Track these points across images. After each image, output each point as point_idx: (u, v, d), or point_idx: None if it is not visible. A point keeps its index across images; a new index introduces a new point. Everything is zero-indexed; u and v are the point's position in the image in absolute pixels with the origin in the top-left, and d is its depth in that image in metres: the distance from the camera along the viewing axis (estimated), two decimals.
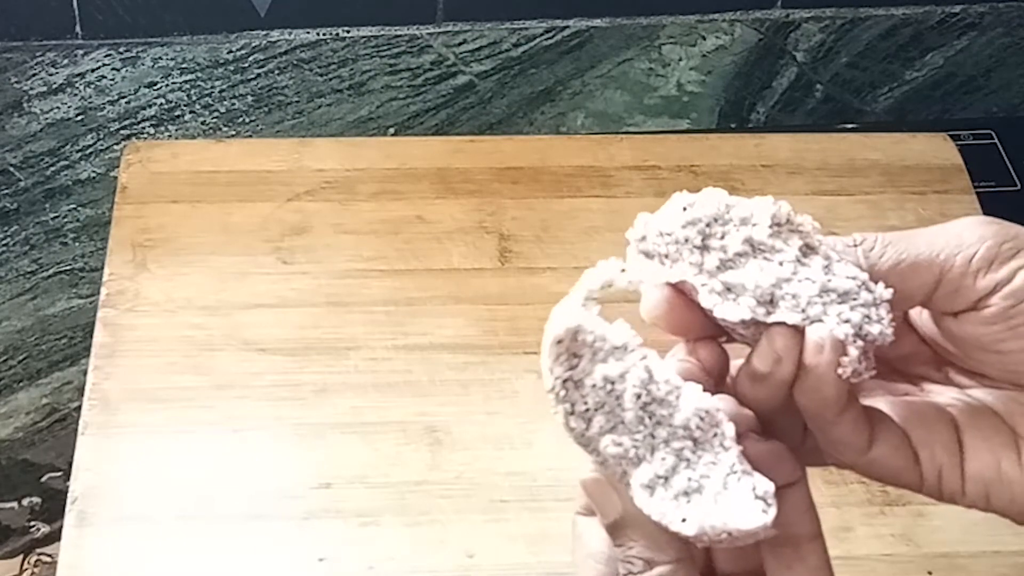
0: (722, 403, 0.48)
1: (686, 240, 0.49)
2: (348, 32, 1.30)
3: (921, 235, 0.48)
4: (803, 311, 0.48)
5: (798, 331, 0.48)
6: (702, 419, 0.48)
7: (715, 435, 0.48)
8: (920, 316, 0.52)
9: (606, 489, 0.48)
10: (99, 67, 1.29)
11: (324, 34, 1.30)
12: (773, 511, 0.46)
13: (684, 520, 0.47)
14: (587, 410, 0.48)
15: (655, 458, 0.47)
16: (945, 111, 1.45)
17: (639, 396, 0.48)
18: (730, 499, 0.46)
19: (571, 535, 0.51)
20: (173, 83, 1.31)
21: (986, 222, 0.48)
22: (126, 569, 0.86)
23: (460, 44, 1.33)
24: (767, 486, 0.46)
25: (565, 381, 0.48)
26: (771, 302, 0.48)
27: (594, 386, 0.48)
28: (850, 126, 1.40)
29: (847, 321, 0.48)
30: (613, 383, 0.48)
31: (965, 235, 0.48)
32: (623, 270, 0.50)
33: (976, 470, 0.49)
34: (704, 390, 0.48)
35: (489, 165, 1.11)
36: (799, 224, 0.49)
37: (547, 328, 0.49)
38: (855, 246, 0.49)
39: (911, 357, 0.52)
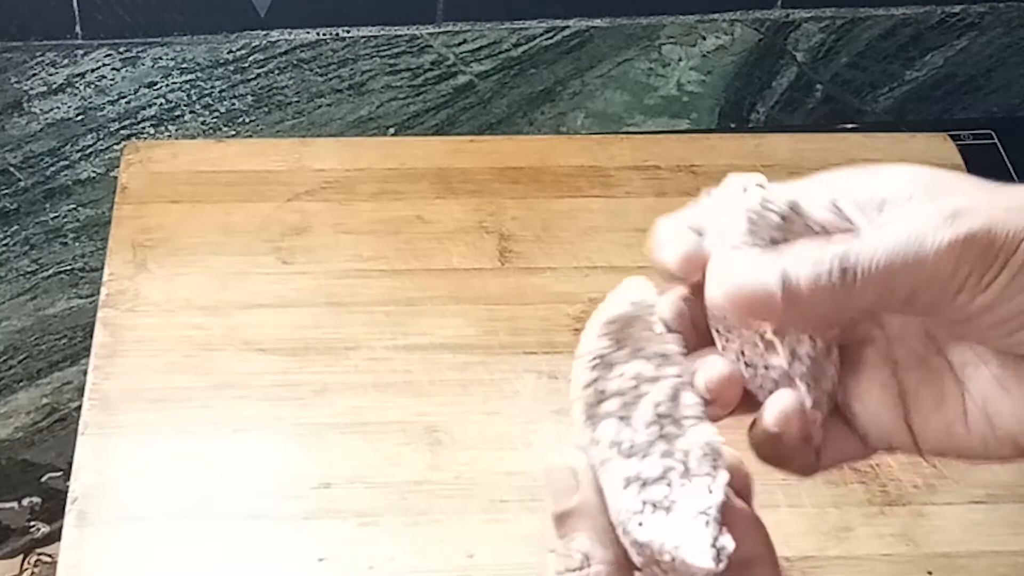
0: (730, 456, 0.48)
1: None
2: (348, 32, 1.30)
3: (890, 268, 0.46)
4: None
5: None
6: (704, 455, 0.48)
7: (708, 475, 0.47)
8: None
9: (567, 477, 0.48)
10: (99, 67, 1.29)
11: (324, 34, 1.30)
12: (722, 567, 0.46)
13: (640, 524, 0.47)
14: (604, 391, 0.48)
15: (645, 461, 0.47)
16: (945, 111, 1.45)
17: (658, 405, 0.48)
18: (690, 533, 0.46)
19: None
20: (173, 83, 1.31)
21: (951, 235, 0.45)
22: (126, 569, 0.86)
23: (460, 44, 1.33)
24: (729, 544, 0.46)
25: (602, 357, 0.48)
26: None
27: (622, 375, 0.48)
28: (850, 126, 1.39)
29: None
30: (641, 384, 0.48)
31: (941, 267, 0.45)
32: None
33: (929, 443, 0.50)
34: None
35: (489, 165, 1.11)
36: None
37: (608, 302, 0.49)
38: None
39: (898, 339, 0.51)
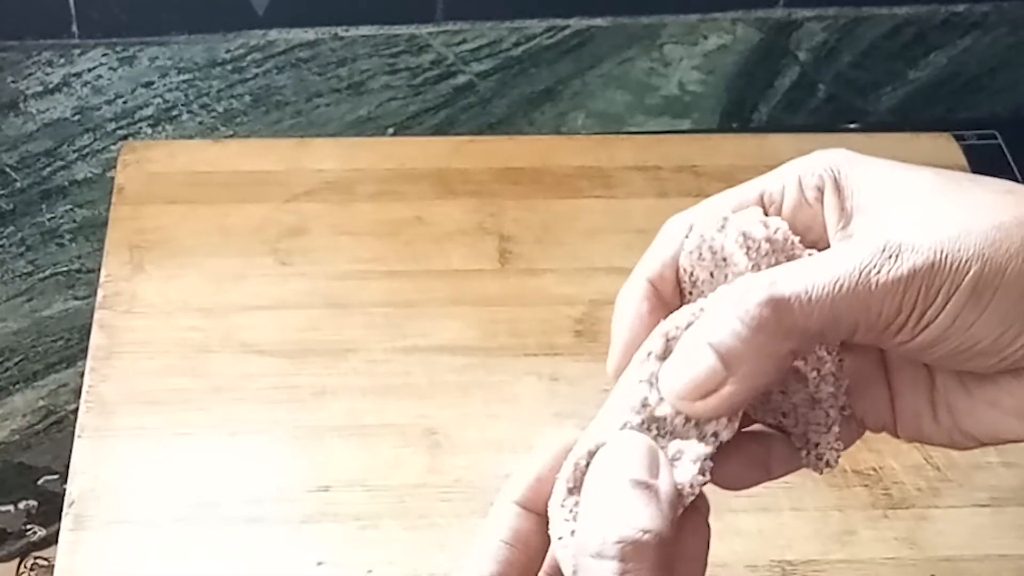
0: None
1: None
2: (347, 31, 1.30)
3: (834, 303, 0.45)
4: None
5: None
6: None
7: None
8: None
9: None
10: (95, 67, 1.29)
11: (322, 33, 1.30)
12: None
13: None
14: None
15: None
16: (949, 111, 1.45)
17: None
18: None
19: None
20: (170, 83, 1.31)
21: (894, 273, 0.44)
22: (123, 573, 0.85)
23: (460, 43, 1.32)
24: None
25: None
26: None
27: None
28: (853, 126, 1.39)
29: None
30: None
31: (885, 304, 0.44)
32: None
33: (905, 431, 0.50)
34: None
35: (489, 166, 1.11)
36: None
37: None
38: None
39: None
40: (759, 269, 0.47)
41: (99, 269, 1.02)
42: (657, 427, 0.46)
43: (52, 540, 1.64)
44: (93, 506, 0.88)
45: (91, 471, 0.90)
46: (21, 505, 1.64)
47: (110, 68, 1.29)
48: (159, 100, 1.32)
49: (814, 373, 0.48)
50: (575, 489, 0.45)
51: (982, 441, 0.48)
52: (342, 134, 1.37)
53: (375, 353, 0.97)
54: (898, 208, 0.46)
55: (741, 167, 1.10)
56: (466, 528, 0.88)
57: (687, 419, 0.46)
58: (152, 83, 1.31)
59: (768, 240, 0.47)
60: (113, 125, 1.33)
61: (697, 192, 1.08)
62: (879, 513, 0.90)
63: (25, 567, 1.67)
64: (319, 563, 0.86)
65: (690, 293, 0.49)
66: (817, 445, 0.49)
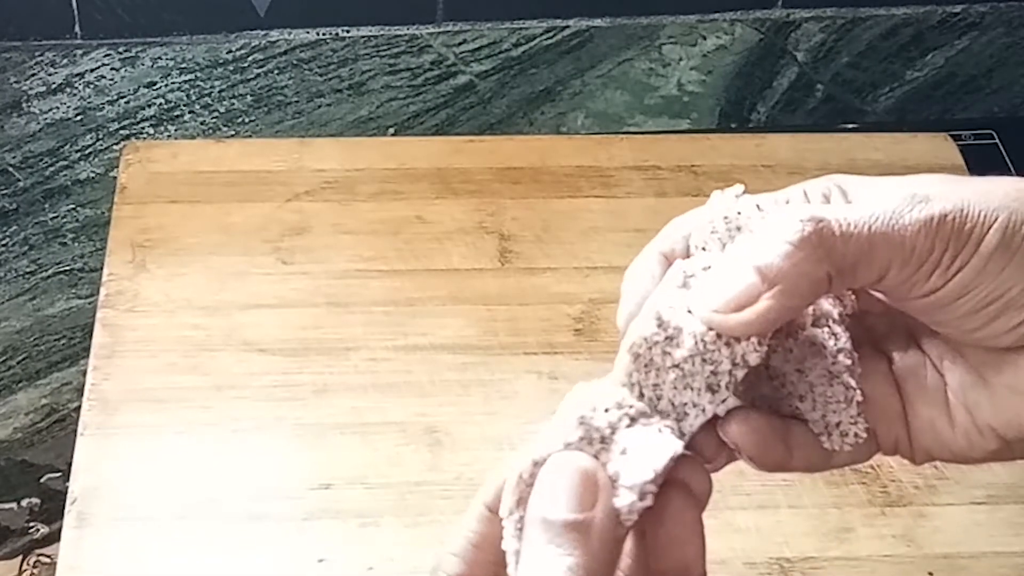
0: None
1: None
2: (348, 32, 1.30)
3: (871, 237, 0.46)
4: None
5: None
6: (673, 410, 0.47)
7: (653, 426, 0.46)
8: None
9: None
10: (98, 67, 1.29)
11: (324, 34, 1.30)
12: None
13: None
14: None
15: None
16: (946, 111, 1.45)
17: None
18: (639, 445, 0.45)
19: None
20: (172, 83, 1.31)
21: (925, 214, 0.46)
22: (126, 570, 0.86)
23: (460, 44, 1.33)
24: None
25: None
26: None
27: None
28: (851, 126, 1.39)
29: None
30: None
31: (918, 243, 0.45)
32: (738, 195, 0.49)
33: (919, 442, 0.50)
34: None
35: (489, 165, 1.11)
36: None
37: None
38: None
39: (885, 336, 0.52)
40: None
41: (101, 268, 1.02)
42: (628, 416, 0.46)
43: (55, 538, 1.64)
44: (95, 504, 0.88)
45: (93, 469, 0.90)
46: (24, 503, 1.64)
47: (112, 68, 1.30)
48: (161, 100, 1.33)
49: (832, 341, 0.48)
50: (521, 502, 0.44)
51: (1002, 435, 0.48)
52: (343, 134, 1.37)
53: (376, 351, 0.98)
54: (911, 180, 0.48)
55: (739, 167, 1.11)
56: None
57: (716, 339, 0.46)
58: (154, 83, 1.31)
59: None
60: (115, 125, 1.33)
61: (696, 192, 1.08)
62: (876, 510, 0.90)
63: (28, 564, 1.67)
64: (320, 560, 0.87)
65: None
66: (838, 424, 0.49)
